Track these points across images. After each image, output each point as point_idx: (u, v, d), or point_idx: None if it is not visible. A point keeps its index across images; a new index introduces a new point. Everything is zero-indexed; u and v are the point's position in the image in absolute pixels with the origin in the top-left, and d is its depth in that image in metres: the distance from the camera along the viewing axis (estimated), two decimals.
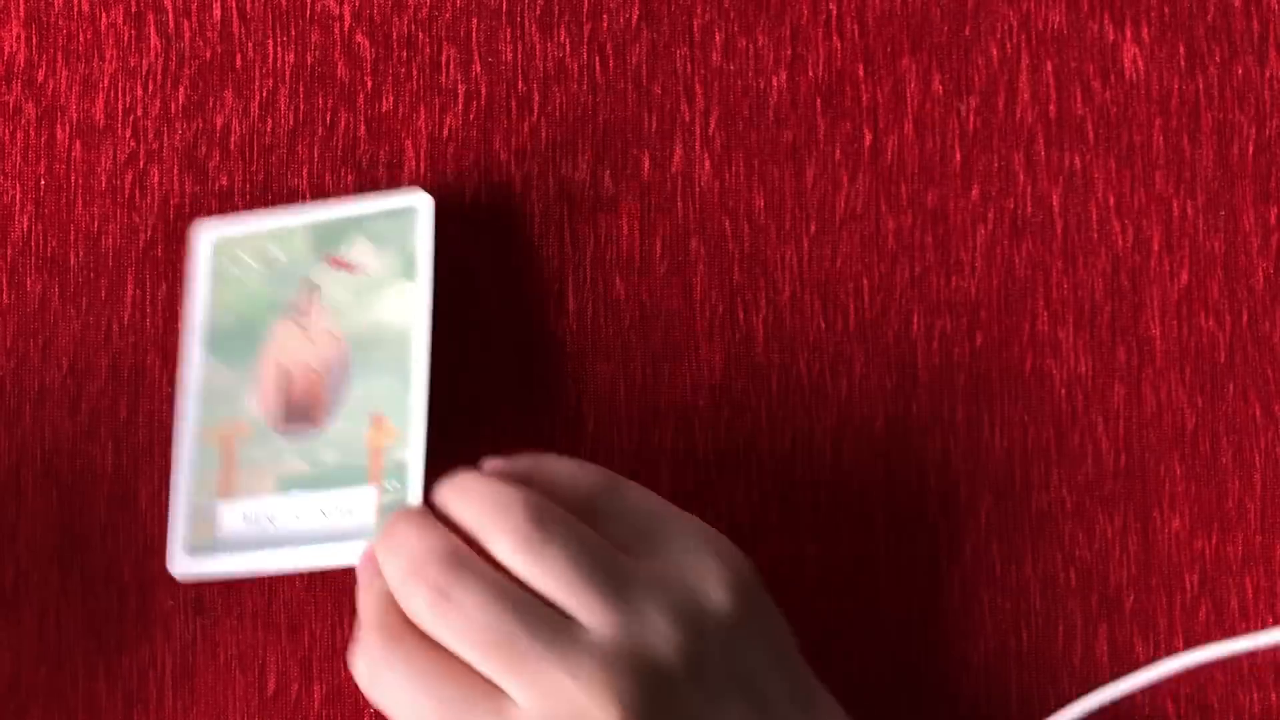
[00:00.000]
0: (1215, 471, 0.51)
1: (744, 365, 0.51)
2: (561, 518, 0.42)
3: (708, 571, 0.43)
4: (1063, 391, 0.51)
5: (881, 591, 0.50)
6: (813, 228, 0.51)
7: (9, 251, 0.50)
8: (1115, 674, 0.50)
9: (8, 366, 0.50)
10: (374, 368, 0.48)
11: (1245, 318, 0.52)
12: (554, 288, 0.51)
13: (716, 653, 0.41)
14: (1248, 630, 0.51)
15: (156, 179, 0.51)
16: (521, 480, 0.44)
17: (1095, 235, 0.52)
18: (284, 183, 0.51)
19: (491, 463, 0.45)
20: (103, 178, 0.50)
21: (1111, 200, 0.52)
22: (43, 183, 0.50)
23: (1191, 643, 0.51)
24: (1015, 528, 0.51)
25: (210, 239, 0.50)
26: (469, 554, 0.41)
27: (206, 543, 0.48)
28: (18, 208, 0.50)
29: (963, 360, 0.51)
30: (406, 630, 0.41)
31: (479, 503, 0.42)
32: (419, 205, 0.49)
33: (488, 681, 0.40)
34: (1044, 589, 0.51)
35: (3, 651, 0.49)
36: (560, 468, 0.45)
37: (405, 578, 0.41)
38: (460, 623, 0.40)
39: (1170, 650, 0.51)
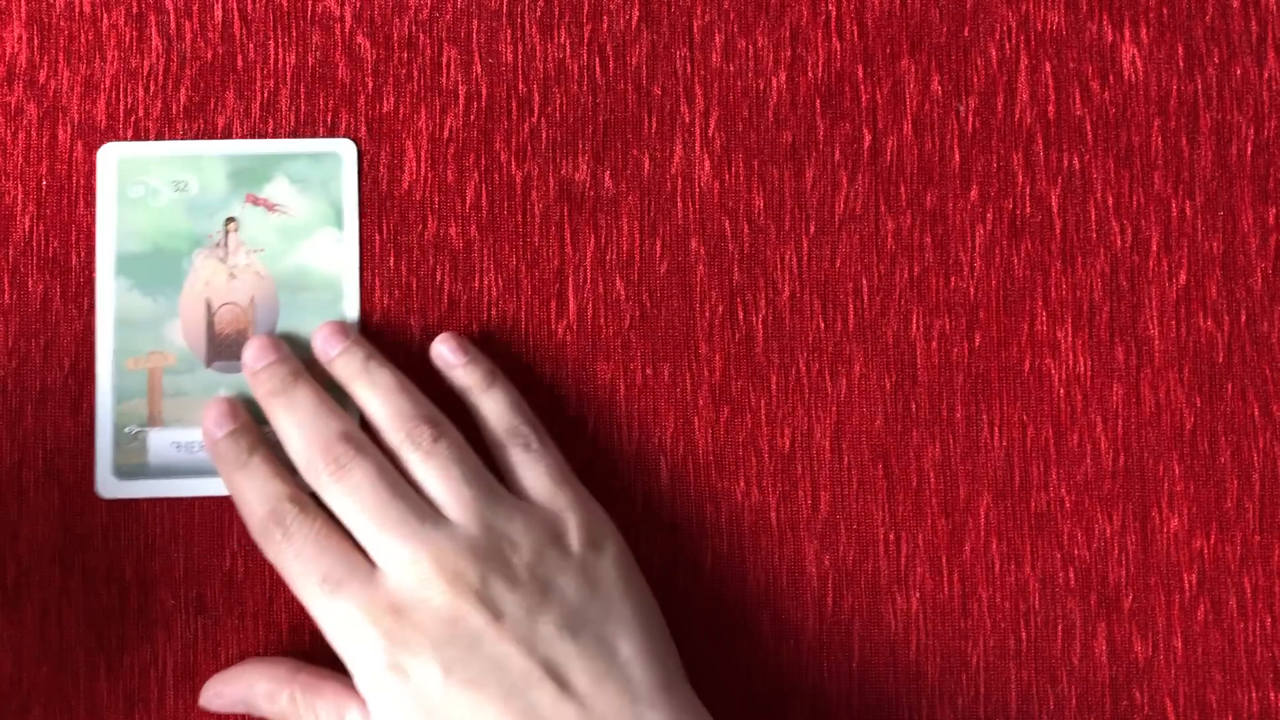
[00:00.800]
0: (1214, 471, 0.51)
1: (744, 365, 0.51)
2: (459, 442, 0.47)
3: (576, 528, 0.47)
4: (1061, 391, 0.51)
5: (881, 591, 0.50)
6: (812, 228, 0.51)
7: (11, 252, 0.50)
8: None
9: (10, 366, 0.50)
10: (303, 310, 0.50)
11: (1244, 318, 0.52)
12: (554, 288, 0.51)
13: (570, 590, 0.45)
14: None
15: None
16: (469, 390, 0.49)
17: (1094, 235, 0.52)
18: None
19: (446, 347, 0.49)
20: None
21: (1110, 200, 0.52)
22: (44, 183, 0.50)
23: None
24: (1014, 527, 0.51)
25: (113, 158, 0.50)
26: (365, 439, 0.47)
27: (138, 468, 0.49)
28: (19, 208, 0.50)
29: (961, 360, 0.51)
30: (300, 513, 0.46)
31: (388, 401, 0.47)
32: (343, 152, 0.51)
33: (365, 555, 0.45)
34: (1043, 588, 0.51)
35: (4, 650, 0.49)
36: (491, 405, 0.49)
37: (314, 451, 0.46)
38: (349, 491, 0.45)
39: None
